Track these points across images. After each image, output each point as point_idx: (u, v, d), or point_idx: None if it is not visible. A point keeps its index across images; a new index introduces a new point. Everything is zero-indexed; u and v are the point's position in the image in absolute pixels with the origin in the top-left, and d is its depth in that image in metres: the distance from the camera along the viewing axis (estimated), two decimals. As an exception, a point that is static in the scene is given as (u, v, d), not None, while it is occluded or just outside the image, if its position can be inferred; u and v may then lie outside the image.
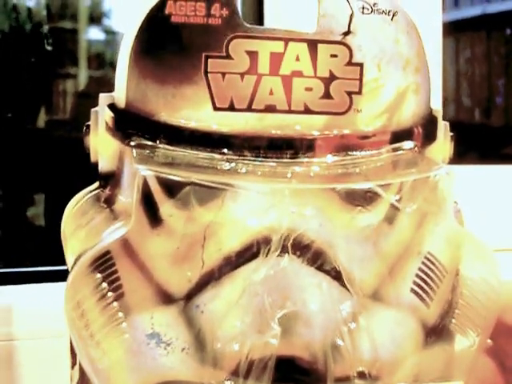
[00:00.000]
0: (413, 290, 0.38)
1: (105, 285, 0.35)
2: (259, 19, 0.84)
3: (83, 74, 1.07)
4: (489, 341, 0.39)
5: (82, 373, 0.38)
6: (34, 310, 0.68)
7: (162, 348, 0.36)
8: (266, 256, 0.35)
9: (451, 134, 0.40)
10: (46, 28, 0.97)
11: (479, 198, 0.86)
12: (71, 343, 0.38)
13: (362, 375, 0.36)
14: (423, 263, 0.38)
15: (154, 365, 0.35)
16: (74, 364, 0.39)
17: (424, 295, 0.37)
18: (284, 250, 0.35)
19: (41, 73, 0.98)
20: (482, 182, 0.89)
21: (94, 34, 1.12)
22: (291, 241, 0.35)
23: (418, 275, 0.38)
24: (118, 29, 1.09)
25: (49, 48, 0.96)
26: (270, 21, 0.83)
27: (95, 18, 1.09)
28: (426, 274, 0.38)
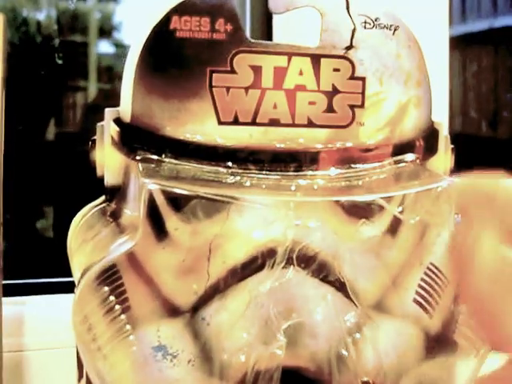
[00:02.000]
0: (415, 301, 0.38)
1: (112, 298, 0.35)
2: (268, 34, 0.85)
3: (93, 87, 1.08)
4: None
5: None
6: (43, 322, 0.69)
7: (168, 360, 0.36)
8: (271, 268, 0.36)
9: (452, 146, 0.41)
10: (56, 41, 0.98)
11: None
12: (78, 356, 0.38)
13: None
14: (425, 274, 0.38)
15: (160, 377, 0.36)
16: (80, 377, 0.39)
17: (427, 305, 0.38)
18: (289, 261, 0.36)
19: (51, 86, 0.98)
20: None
21: (104, 47, 1.13)
22: (296, 253, 0.36)
23: (420, 286, 0.38)
24: (128, 42, 1.09)
25: (59, 61, 0.97)
26: (278, 36, 0.84)
27: (105, 31, 1.10)
28: (428, 284, 0.38)
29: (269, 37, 0.85)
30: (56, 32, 0.99)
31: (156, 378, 0.36)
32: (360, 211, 0.37)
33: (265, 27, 0.86)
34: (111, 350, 0.35)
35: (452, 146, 0.41)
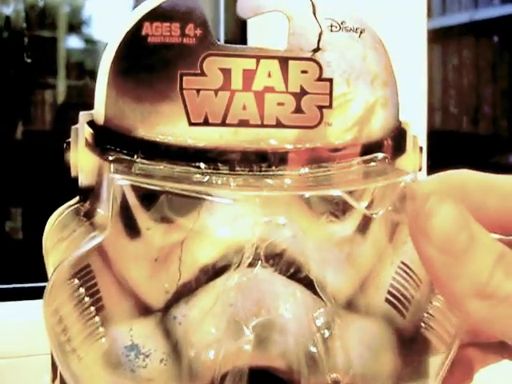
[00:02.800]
0: (387, 300, 0.39)
1: (86, 298, 0.35)
2: (242, 37, 0.86)
3: (62, 84, 1.07)
4: None
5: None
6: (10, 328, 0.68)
7: (140, 360, 0.36)
8: (238, 266, 0.37)
9: (420, 146, 0.41)
10: (24, 37, 0.96)
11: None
12: (53, 357, 0.38)
13: (335, 382, 0.37)
14: (397, 273, 0.39)
15: (132, 377, 0.36)
16: (54, 378, 0.39)
17: (399, 304, 0.39)
18: (256, 259, 0.37)
19: (18, 83, 0.97)
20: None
21: (74, 42, 1.12)
22: (263, 250, 0.37)
23: (392, 285, 0.39)
24: (98, 37, 1.08)
25: (27, 58, 0.96)
26: (252, 39, 0.85)
27: (75, 26, 1.09)
28: (399, 283, 0.39)
29: (243, 40, 0.86)
30: (24, 27, 0.97)
31: (129, 377, 0.36)
32: (327, 208, 0.37)
33: (239, 30, 0.87)
34: (85, 351, 0.35)
35: (420, 145, 0.41)
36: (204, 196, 0.36)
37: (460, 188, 0.39)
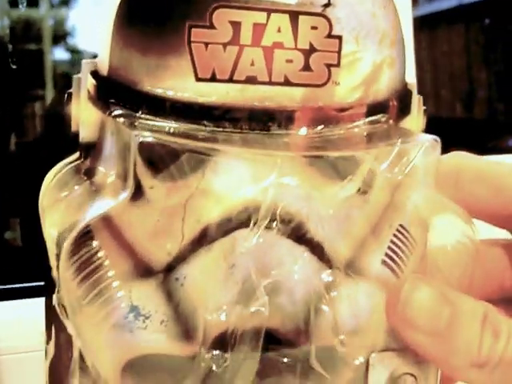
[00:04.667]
0: (384, 262, 0.38)
1: (91, 259, 0.34)
2: None
3: (50, 95, 1.04)
4: None
5: (58, 347, 0.38)
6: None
7: (140, 321, 0.35)
8: (246, 227, 0.36)
9: (424, 107, 0.41)
10: (10, 50, 0.93)
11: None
12: (47, 318, 0.37)
13: (343, 344, 0.37)
14: (394, 235, 0.39)
15: (132, 338, 0.35)
16: (49, 339, 0.38)
17: (395, 267, 0.38)
18: (264, 221, 0.36)
19: (6, 96, 0.94)
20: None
21: (59, 53, 1.08)
22: (271, 212, 0.36)
23: (389, 247, 0.38)
24: (84, 47, 1.05)
25: (14, 70, 0.92)
26: None
27: (59, 38, 1.05)
28: (397, 246, 0.39)
29: None
30: (9, 41, 0.94)
31: (128, 339, 0.35)
32: (333, 167, 0.37)
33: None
34: (92, 311, 0.34)
35: (424, 107, 0.41)
36: (210, 153, 0.35)
37: (454, 175, 0.39)
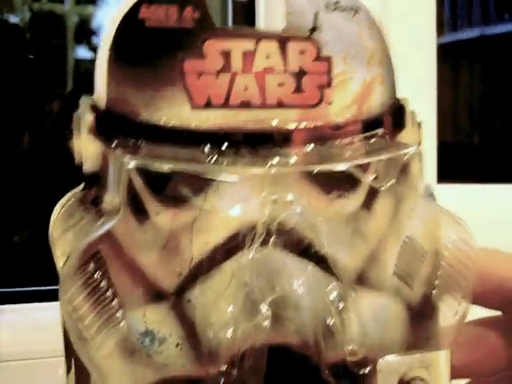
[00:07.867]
0: (395, 273, 0.39)
1: (100, 285, 0.35)
2: (251, 19, 0.87)
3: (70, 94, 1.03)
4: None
5: (79, 375, 0.38)
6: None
7: (156, 346, 0.36)
8: (251, 245, 0.37)
9: (419, 121, 0.42)
10: (32, 46, 0.95)
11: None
12: (66, 348, 0.38)
13: (352, 354, 0.37)
14: (403, 247, 0.39)
15: (149, 363, 0.36)
16: (69, 369, 0.39)
17: (407, 277, 0.39)
18: (267, 237, 0.37)
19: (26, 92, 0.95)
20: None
21: (82, 52, 1.08)
22: (274, 228, 0.37)
23: (399, 258, 0.39)
24: None
25: (35, 67, 0.93)
26: (261, 20, 0.85)
27: (83, 36, 1.06)
28: (406, 256, 0.39)
29: (252, 21, 0.86)
30: (32, 36, 0.96)
31: (145, 364, 0.36)
32: (334, 184, 0.38)
33: (246, 12, 0.88)
34: (102, 339, 0.35)
35: (419, 121, 0.42)
36: (212, 176, 0.36)
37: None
